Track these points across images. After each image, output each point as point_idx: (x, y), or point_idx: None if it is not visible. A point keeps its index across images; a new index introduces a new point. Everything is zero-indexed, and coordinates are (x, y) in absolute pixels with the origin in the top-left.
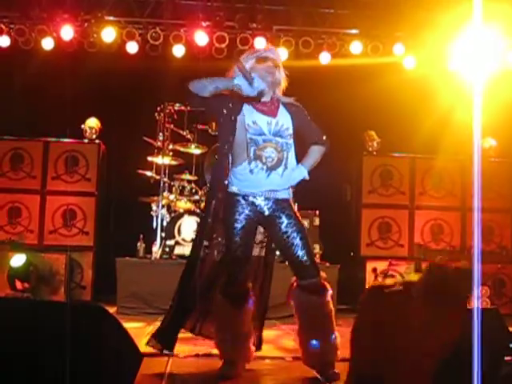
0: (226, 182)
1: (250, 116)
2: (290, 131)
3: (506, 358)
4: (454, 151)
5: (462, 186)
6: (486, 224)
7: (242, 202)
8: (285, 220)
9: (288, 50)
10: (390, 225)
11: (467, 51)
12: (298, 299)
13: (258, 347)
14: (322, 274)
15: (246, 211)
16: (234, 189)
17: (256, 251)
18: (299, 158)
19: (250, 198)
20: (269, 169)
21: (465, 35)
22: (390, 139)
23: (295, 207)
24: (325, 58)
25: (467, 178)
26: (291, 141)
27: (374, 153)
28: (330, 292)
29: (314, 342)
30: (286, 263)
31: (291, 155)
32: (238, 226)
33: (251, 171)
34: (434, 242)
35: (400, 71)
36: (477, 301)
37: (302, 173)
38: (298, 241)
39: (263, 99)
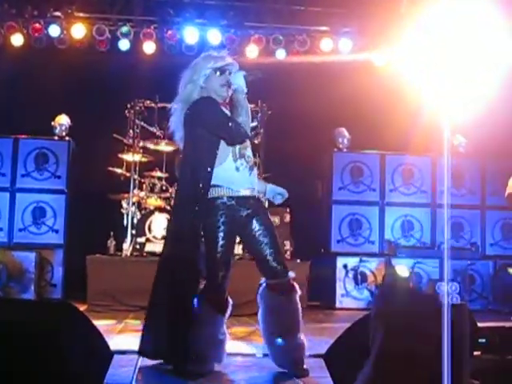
0: (208, 187)
1: None
2: None
3: (475, 353)
4: (423, 148)
5: (432, 182)
6: (456, 220)
7: (226, 205)
8: (257, 219)
9: (258, 46)
10: (361, 221)
11: (436, 48)
12: (265, 299)
13: None
14: (291, 274)
15: (229, 214)
16: (215, 193)
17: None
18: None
19: (231, 201)
20: (250, 168)
21: (434, 31)
22: (361, 136)
23: (265, 205)
24: (295, 55)
25: (437, 174)
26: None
27: (345, 150)
28: (299, 293)
29: (280, 340)
30: None
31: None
32: (223, 229)
33: (237, 169)
34: (404, 239)
35: (370, 68)
36: (447, 297)
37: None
38: (266, 239)
39: (226, 101)
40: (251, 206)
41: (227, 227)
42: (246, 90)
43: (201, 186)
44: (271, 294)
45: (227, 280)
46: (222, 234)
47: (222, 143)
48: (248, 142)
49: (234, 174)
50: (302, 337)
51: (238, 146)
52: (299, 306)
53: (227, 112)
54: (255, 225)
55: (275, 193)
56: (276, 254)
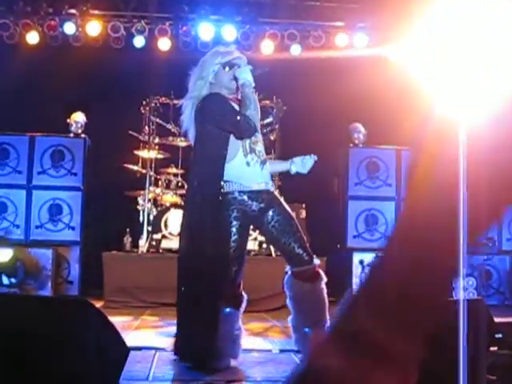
0: (222, 183)
1: None
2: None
3: (492, 349)
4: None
5: None
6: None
7: (237, 200)
8: (273, 210)
9: (273, 42)
10: (377, 217)
11: (452, 43)
12: (291, 287)
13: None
14: (316, 260)
15: (241, 209)
16: (227, 188)
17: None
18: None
19: (242, 196)
20: (262, 162)
21: (451, 26)
22: (377, 131)
23: (281, 197)
24: (310, 51)
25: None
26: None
27: (361, 145)
28: (325, 279)
29: (307, 329)
30: (274, 256)
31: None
32: (236, 224)
33: (248, 164)
34: None
35: (386, 63)
36: (463, 292)
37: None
38: (288, 228)
39: (234, 96)
40: (264, 200)
41: (239, 222)
42: (253, 84)
43: (211, 182)
44: (297, 282)
45: (241, 275)
46: (234, 229)
47: (232, 139)
48: (259, 137)
49: (245, 169)
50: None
51: (247, 141)
52: (325, 293)
53: (236, 106)
54: (272, 216)
55: (303, 161)
56: (299, 242)
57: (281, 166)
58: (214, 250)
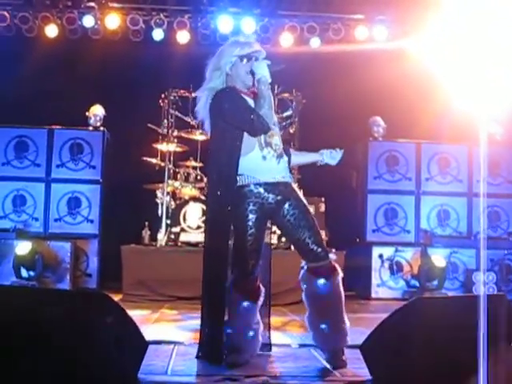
0: (238, 176)
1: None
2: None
3: None
4: (460, 136)
5: (469, 171)
6: (493, 210)
7: (253, 192)
8: (289, 204)
9: (293, 35)
10: (396, 211)
11: (473, 37)
12: (306, 283)
13: (267, 335)
14: (332, 255)
15: (258, 202)
16: (242, 182)
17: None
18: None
19: (259, 188)
20: (278, 156)
21: (472, 17)
22: (396, 125)
23: (299, 191)
24: (330, 44)
25: (473, 163)
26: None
27: (380, 138)
28: (341, 275)
29: (323, 326)
30: (293, 249)
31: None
32: (252, 217)
33: (264, 157)
34: (440, 228)
35: (406, 56)
36: (483, 287)
37: None
38: (303, 222)
39: (251, 89)
40: (281, 192)
41: (256, 215)
42: (269, 81)
43: (226, 176)
44: (312, 278)
45: (258, 268)
46: (250, 223)
47: (245, 134)
48: (276, 130)
49: (261, 163)
50: (345, 325)
51: (263, 135)
52: (341, 289)
53: (250, 102)
54: (288, 209)
55: (331, 153)
56: (315, 237)
57: (309, 157)
58: (231, 243)
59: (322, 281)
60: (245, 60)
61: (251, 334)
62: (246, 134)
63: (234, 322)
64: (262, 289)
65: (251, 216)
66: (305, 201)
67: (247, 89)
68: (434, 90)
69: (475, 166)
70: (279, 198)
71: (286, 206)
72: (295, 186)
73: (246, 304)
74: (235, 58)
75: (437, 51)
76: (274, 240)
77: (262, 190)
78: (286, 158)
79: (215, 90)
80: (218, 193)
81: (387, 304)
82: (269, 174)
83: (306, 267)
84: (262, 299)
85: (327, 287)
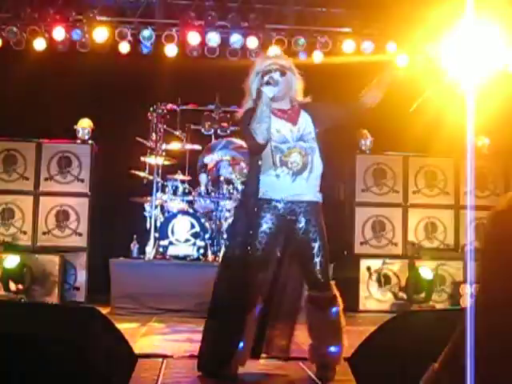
0: (258, 191)
1: (273, 124)
2: (313, 134)
3: None
4: (447, 149)
5: (456, 183)
6: (480, 222)
7: (266, 206)
8: (304, 225)
9: (280, 48)
10: (384, 223)
11: (460, 48)
12: (306, 309)
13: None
14: (333, 285)
15: (269, 215)
16: (262, 194)
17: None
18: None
19: (274, 203)
20: (294, 174)
21: (457, 32)
22: (383, 138)
23: (321, 211)
24: (317, 57)
25: (461, 175)
26: (315, 144)
27: (367, 151)
28: (341, 306)
29: (320, 351)
30: None
31: (316, 158)
32: (262, 228)
33: (277, 176)
34: (427, 241)
35: (392, 69)
36: (471, 299)
37: None
38: (308, 251)
39: (282, 106)
40: (292, 212)
41: (266, 227)
42: (269, 95)
43: (249, 192)
44: (310, 308)
45: (258, 278)
46: (259, 234)
47: (265, 152)
48: (297, 147)
49: (275, 181)
50: (341, 349)
51: (278, 155)
52: (340, 319)
53: (277, 121)
54: (297, 231)
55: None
56: (320, 265)
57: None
58: (242, 257)
59: (319, 312)
60: (260, 75)
61: (241, 344)
62: (264, 153)
63: (224, 332)
64: (260, 303)
65: (260, 228)
66: (320, 224)
67: (268, 102)
68: (422, 103)
69: (462, 179)
70: (290, 217)
71: (298, 226)
72: (318, 205)
73: (238, 312)
74: (254, 74)
75: (424, 64)
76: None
77: (277, 206)
78: (306, 175)
79: (245, 109)
80: (239, 206)
81: (375, 316)
82: (282, 192)
83: (307, 295)
84: (255, 312)
85: (324, 318)
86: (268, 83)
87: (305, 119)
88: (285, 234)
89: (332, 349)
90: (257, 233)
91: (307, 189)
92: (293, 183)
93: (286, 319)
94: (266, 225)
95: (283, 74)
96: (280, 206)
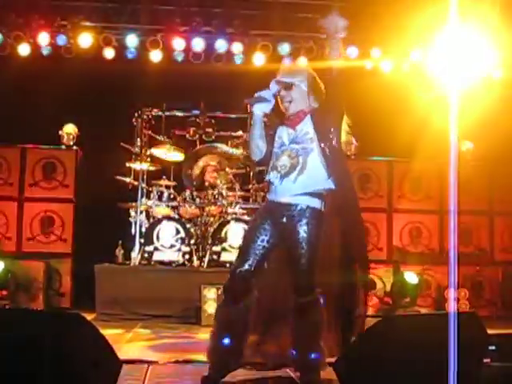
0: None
1: (278, 133)
2: (311, 135)
3: (485, 361)
4: (431, 154)
5: (440, 188)
6: (464, 226)
7: (265, 211)
8: (289, 230)
9: (265, 54)
10: (369, 228)
11: (444, 54)
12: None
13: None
14: (317, 291)
15: (264, 214)
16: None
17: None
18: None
19: (270, 207)
20: (282, 176)
21: (441, 38)
22: (368, 143)
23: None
24: (302, 63)
25: (445, 180)
26: (312, 144)
27: (352, 157)
28: (320, 312)
29: (295, 353)
30: None
31: (311, 159)
32: (255, 223)
33: (270, 180)
34: (412, 245)
35: (377, 75)
36: (454, 303)
37: None
38: (295, 251)
39: (290, 113)
40: (282, 214)
41: (258, 223)
42: (267, 108)
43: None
44: (292, 313)
45: (246, 270)
46: (251, 227)
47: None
48: (288, 150)
49: (270, 185)
50: (319, 354)
51: (272, 160)
52: (320, 325)
53: (283, 130)
54: (285, 233)
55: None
56: (301, 269)
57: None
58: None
59: (299, 321)
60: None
61: (226, 341)
62: None
63: (217, 330)
64: (254, 297)
65: (253, 223)
66: (309, 228)
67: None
68: (406, 108)
69: (446, 184)
70: (281, 220)
71: (287, 230)
72: (310, 207)
73: (228, 306)
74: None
75: (410, 70)
76: None
77: (272, 208)
78: (293, 177)
79: None
80: None
81: None
82: (274, 195)
83: (293, 300)
84: (247, 307)
85: (305, 324)
86: (258, 101)
87: (307, 122)
88: (272, 237)
89: (313, 355)
90: (248, 227)
91: (295, 190)
92: (280, 186)
93: (277, 326)
94: (257, 221)
95: (288, 88)
96: (272, 208)
